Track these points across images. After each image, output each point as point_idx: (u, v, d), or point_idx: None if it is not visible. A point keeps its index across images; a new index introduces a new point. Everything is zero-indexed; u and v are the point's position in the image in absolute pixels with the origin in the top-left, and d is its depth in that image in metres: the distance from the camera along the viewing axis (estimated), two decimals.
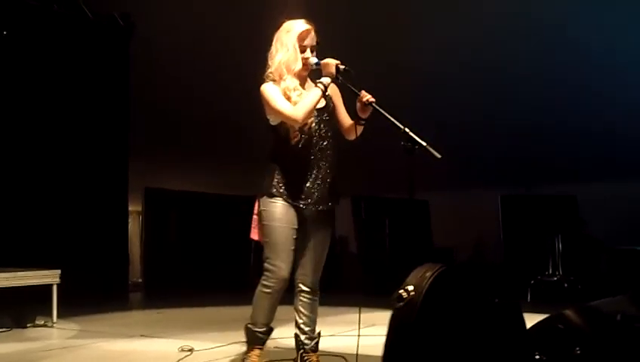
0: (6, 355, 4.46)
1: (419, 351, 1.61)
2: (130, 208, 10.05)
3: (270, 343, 3.61)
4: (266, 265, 3.48)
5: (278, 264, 3.44)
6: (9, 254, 6.87)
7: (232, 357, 4.24)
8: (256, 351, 3.51)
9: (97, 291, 7.94)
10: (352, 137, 3.66)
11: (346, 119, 3.68)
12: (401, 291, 1.70)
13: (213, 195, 10.74)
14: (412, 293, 1.66)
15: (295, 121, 3.39)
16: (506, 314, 1.85)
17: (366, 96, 3.39)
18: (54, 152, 8.37)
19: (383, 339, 4.63)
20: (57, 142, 8.42)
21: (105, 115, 9.04)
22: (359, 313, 3.60)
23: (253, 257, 9.46)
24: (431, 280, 1.66)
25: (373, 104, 3.34)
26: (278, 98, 3.44)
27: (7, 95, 7.94)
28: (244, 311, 6.58)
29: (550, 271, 7.03)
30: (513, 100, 8.72)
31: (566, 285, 6.57)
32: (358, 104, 3.45)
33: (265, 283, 3.48)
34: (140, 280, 10.58)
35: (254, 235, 3.61)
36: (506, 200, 9.34)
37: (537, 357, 1.76)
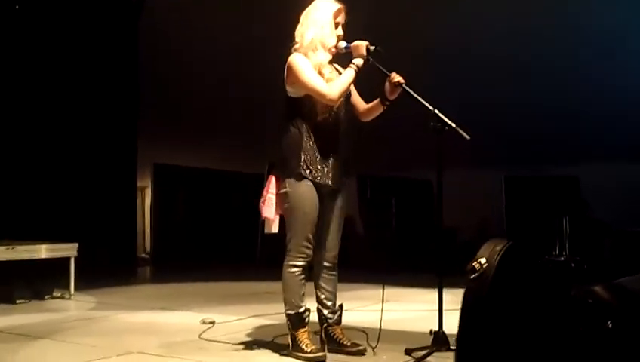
0: (33, 325, 4.57)
1: (492, 322, 1.71)
2: (138, 184, 10.16)
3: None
4: (292, 245, 3.55)
5: (306, 244, 3.54)
6: (17, 228, 6.96)
7: (252, 330, 4.35)
8: (305, 333, 3.56)
9: (106, 265, 8.05)
10: (368, 118, 3.76)
11: (360, 102, 3.76)
12: (474, 263, 1.80)
13: (222, 172, 10.81)
14: (485, 266, 1.76)
15: (331, 100, 3.46)
16: (557, 286, 1.96)
17: (396, 78, 3.47)
18: (64, 128, 8.44)
19: (397, 315, 4.77)
20: (67, 118, 8.49)
21: (114, 90, 9.10)
22: (382, 290, 3.72)
23: (260, 233, 9.55)
24: (501, 253, 1.77)
25: (403, 85, 3.42)
26: (312, 73, 3.50)
27: (17, 72, 7.99)
28: (256, 286, 6.78)
29: (557, 252, 7.16)
30: (516, 82, 8.78)
31: (573, 265, 6.71)
32: (387, 85, 3.53)
33: (292, 263, 3.56)
34: (146, 256, 10.66)
35: (268, 213, 3.62)
36: (509, 181, 9.43)
37: (580, 330, 1.87)
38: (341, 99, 3.53)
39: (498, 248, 1.81)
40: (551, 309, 1.87)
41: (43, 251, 5.74)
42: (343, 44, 3.57)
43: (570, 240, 7.55)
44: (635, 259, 6.67)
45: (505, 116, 9.14)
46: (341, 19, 3.61)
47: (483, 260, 1.78)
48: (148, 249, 10.84)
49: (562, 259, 6.91)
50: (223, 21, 9.06)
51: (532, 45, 8.31)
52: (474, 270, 1.77)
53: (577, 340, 1.87)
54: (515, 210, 9.24)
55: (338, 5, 3.61)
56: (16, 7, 8.13)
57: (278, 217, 3.66)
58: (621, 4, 7.75)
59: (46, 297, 5.77)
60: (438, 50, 8.54)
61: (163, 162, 10.46)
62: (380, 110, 3.70)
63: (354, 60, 3.51)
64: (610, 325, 2.15)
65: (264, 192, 3.67)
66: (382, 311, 3.68)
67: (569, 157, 9.46)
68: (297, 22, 3.67)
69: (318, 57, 3.55)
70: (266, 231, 3.72)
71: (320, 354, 3.48)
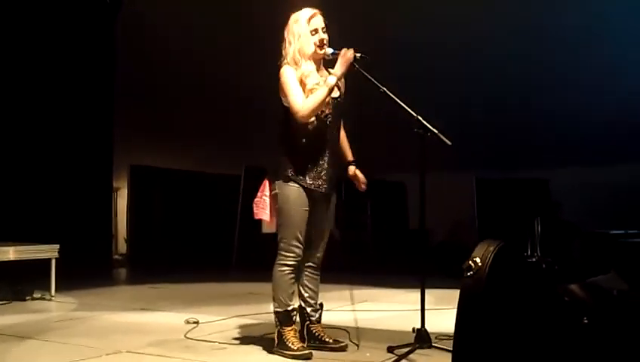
0: (19, 326, 4.60)
1: (488, 316, 1.85)
2: (114, 185, 10.18)
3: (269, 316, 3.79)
4: (282, 245, 3.69)
5: (296, 244, 3.67)
6: None
7: (236, 329, 4.44)
8: (292, 331, 3.68)
9: (82, 267, 8.01)
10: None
11: (342, 131, 3.92)
12: (470, 262, 1.94)
13: (198, 173, 10.87)
14: (479, 264, 1.90)
15: (302, 117, 3.60)
16: (544, 283, 2.12)
17: (361, 181, 3.81)
18: (39, 130, 8.41)
19: (376, 314, 4.90)
20: (42, 119, 8.47)
21: (90, 91, 9.10)
22: (351, 293, 3.83)
23: (238, 235, 9.60)
24: (494, 253, 1.91)
25: (388, 92, 3.55)
26: (294, 86, 3.63)
27: None
28: (236, 287, 6.87)
29: (529, 253, 7.36)
30: (489, 85, 8.97)
31: (544, 266, 6.90)
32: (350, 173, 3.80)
33: (283, 262, 3.68)
34: (119, 257, 10.65)
35: (263, 216, 3.78)
36: (481, 184, 9.63)
37: (585, 321, 2.02)
38: (313, 116, 3.63)
39: (491, 248, 1.96)
40: (540, 304, 2.03)
41: (25, 252, 5.76)
42: (329, 50, 3.68)
43: (541, 242, 7.77)
44: (603, 260, 6.88)
45: (477, 120, 9.34)
46: (318, 22, 3.71)
47: (478, 259, 1.93)
48: (122, 250, 10.84)
49: (534, 259, 7.11)
50: (203, 21, 9.12)
51: (505, 49, 8.50)
52: (470, 268, 1.92)
53: (556, 335, 2.02)
54: (486, 212, 9.43)
55: (312, 11, 3.72)
56: None
57: (275, 218, 3.79)
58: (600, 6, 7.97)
59: (27, 298, 5.78)
60: (412, 52, 8.69)
61: (139, 163, 10.48)
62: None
63: (329, 78, 3.61)
64: (586, 321, 2.30)
65: (259, 193, 3.83)
66: (354, 311, 3.80)
67: (539, 161, 9.69)
68: (280, 26, 3.78)
69: (303, 68, 3.67)
70: (264, 230, 3.89)
71: (306, 351, 3.59)
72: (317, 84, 3.64)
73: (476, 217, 9.58)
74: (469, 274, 1.88)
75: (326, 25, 3.73)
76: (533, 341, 1.95)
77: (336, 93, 3.74)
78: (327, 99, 3.63)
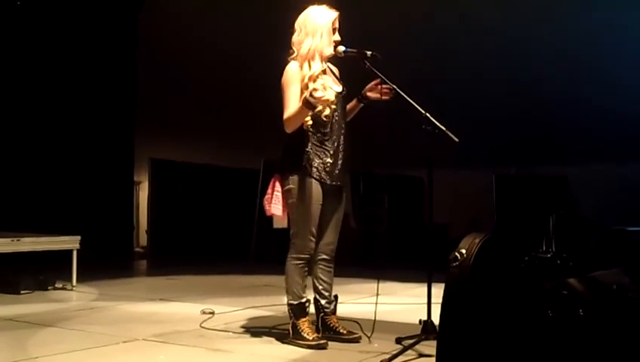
0: (41, 314, 4.76)
1: (472, 304, 1.94)
2: (136, 179, 10.37)
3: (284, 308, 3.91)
4: (296, 239, 3.78)
5: (310, 237, 3.77)
6: (16, 220, 7.14)
7: (251, 320, 4.56)
8: (306, 322, 3.78)
9: (104, 259, 8.18)
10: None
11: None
12: (456, 253, 2.04)
13: (218, 167, 11.00)
14: (465, 255, 2.00)
15: (284, 125, 3.74)
16: (530, 275, 2.20)
17: (385, 88, 3.75)
18: (63, 123, 8.62)
19: (389, 307, 4.98)
20: (66, 114, 8.67)
21: (111, 85, 9.28)
22: (377, 284, 3.93)
23: (256, 228, 9.71)
24: (479, 244, 2.01)
25: (397, 90, 3.63)
26: (294, 91, 3.70)
27: (17, 68, 8.16)
28: (253, 279, 6.99)
29: (544, 249, 7.38)
30: (508, 81, 8.97)
31: (558, 262, 6.90)
32: (372, 85, 3.80)
33: (295, 255, 3.79)
34: (140, 250, 10.82)
35: (276, 211, 3.84)
36: (500, 180, 9.64)
37: (550, 314, 2.10)
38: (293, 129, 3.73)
39: (477, 240, 2.06)
40: (524, 296, 2.11)
41: (47, 243, 5.92)
42: (341, 48, 3.75)
43: (557, 238, 7.78)
44: (618, 256, 6.89)
45: (497, 116, 9.35)
46: (336, 24, 3.80)
47: (463, 251, 2.02)
48: (142, 243, 11.01)
49: (549, 255, 7.11)
50: (222, 18, 9.24)
51: (523, 47, 8.51)
52: (455, 259, 2.01)
53: (550, 325, 2.10)
54: (505, 208, 9.45)
55: (335, 13, 3.79)
56: (18, 2, 8.30)
57: (286, 214, 3.87)
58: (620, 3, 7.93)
59: (49, 288, 5.93)
60: (430, 49, 8.73)
61: (160, 157, 10.64)
62: (357, 109, 3.95)
63: (310, 98, 3.57)
64: (582, 313, 2.37)
65: (269, 190, 3.88)
66: (376, 303, 3.90)
67: (559, 157, 9.68)
68: (293, 26, 3.84)
69: (313, 67, 3.73)
70: (275, 226, 3.93)
71: (321, 341, 3.69)
72: (322, 85, 3.71)
73: (495, 213, 9.60)
74: (455, 264, 1.98)
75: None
76: (515, 328, 2.04)
77: (339, 88, 3.83)
78: (331, 99, 3.69)
